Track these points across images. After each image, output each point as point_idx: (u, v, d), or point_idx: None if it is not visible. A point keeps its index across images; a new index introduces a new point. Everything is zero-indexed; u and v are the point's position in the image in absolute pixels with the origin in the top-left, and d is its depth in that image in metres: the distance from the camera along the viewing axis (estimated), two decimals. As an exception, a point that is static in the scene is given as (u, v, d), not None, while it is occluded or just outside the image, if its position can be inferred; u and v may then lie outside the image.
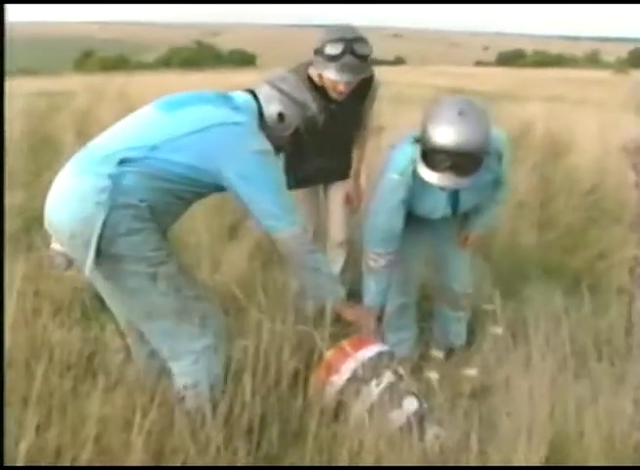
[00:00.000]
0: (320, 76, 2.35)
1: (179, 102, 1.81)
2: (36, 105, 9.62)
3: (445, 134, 1.79)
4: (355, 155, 2.64)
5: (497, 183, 2.15)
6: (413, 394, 1.82)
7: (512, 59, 62.53)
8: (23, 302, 2.28)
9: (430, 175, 1.89)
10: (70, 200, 1.65)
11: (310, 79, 2.40)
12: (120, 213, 1.62)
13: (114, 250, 1.63)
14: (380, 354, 1.87)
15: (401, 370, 1.89)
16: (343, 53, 2.20)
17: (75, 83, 13.32)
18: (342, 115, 2.46)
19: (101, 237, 1.60)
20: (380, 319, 2.25)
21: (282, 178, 1.81)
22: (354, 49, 2.19)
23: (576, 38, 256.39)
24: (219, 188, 1.78)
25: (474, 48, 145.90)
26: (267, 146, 1.78)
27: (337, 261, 2.85)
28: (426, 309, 2.77)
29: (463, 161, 1.81)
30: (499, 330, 2.07)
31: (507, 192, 2.30)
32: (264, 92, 1.88)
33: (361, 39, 2.23)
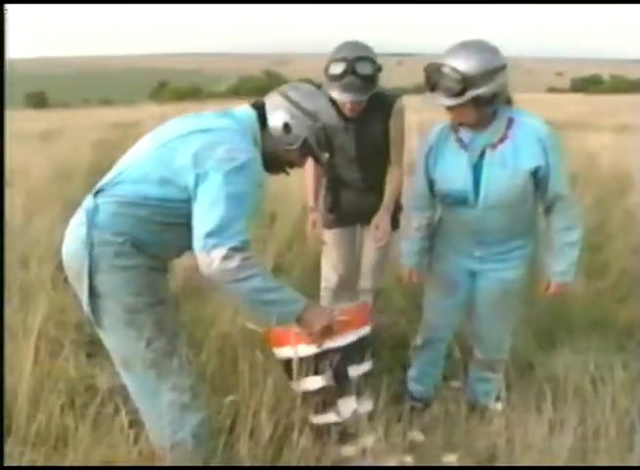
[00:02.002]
0: None
1: (170, 122, 1.77)
2: (109, 135, 10.21)
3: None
4: (388, 188, 2.54)
5: (541, 183, 1.97)
6: (354, 396, 1.75)
7: (587, 84, 60.17)
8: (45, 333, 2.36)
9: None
10: (69, 234, 1.71)
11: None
12: (101, 250, 1.62)
13: (95, 284, 1.63)
14: (324, 354, 1.74)
15: (352, 372, 1.77)
16: (345, 73, 2.20)
17: (149, 113, 14.07)
18: (366, 137, 2.43)
19: (90, 272, 1.61)
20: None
21: (245, 195, 1.58)
22: (356, 69, 2.18)
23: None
24: None
25: (546, 74, 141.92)
26: (243, 155, 1.61)
27: None
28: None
29: (438, 78, 1.83)
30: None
31: (579, 227, 2.08)
32: (271, 100, 1.77)
33: (364, 58, 2.22)
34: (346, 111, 2.35)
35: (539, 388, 2.30)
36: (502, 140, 1.93)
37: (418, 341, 2.38)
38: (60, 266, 3.36)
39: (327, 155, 1.84)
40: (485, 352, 2.30)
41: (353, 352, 1.78)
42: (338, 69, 2.22)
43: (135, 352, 1.66)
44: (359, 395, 1.79)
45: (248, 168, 1.61)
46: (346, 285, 2.70)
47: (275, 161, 1.79)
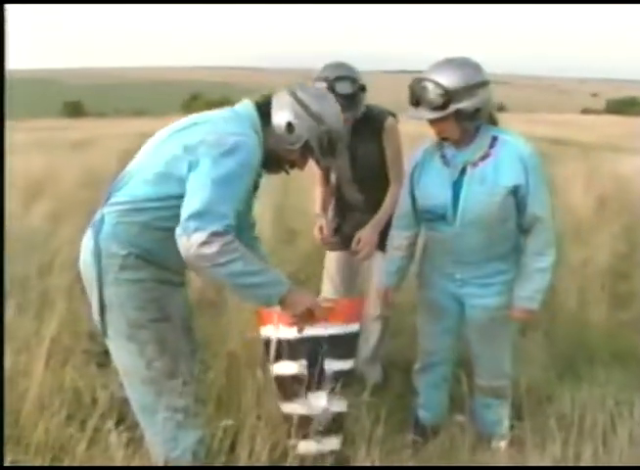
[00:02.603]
0: None
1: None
2: (137, 145, 10.41)
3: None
4: (383, 204, 2.48)
5: (521, 204, 1.94)
6: (326, 391, 1.72)
7: (623, 106, 58.97)
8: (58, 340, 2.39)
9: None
10: (83, 245, 1.73)
11: None
12: (108, 262, 1.63)
13: (103, 296, 1.66)
14: (303, 341, 1.72)
15: (329, 366, 1.72)
16: None
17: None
18: (360, 156, 2.44)
19: (99, 284, 1.65)
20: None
21: (233, 176, 1.55)
22: (335, 88, 2.24)
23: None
24: None
25: (581, 95, 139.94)
26: (233, 138, 1.59)
27: (372, 335, 2.69)
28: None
29: (422, 92, 1.88)
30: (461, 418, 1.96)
31: (552, 254, 2.00)
32: (279, 98, 1.75)
33: (344, 78, 2.28)
34: None
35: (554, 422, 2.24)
36: (484, 158, 1.95)
37: (417, 365, 2.35)
38: (79, 275, 3.45)
39: (330, 159, 1.80)
40: (483, 377, 2.24)
41: (335, 346, 1.74)
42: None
43: (135, 368, 1.67)
44: (334, 393, 1.74)
45: (238, 150, 1.58)
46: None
47: (276, 159, 1.77)
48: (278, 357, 1.74)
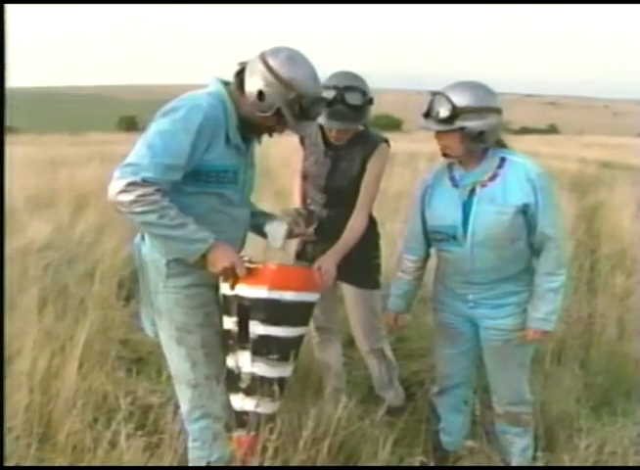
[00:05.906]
0: None
1: None
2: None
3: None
4: (346, 231, 2.29)
5: (531, 223, 1.94)
6: (249, 352, 1.71)
7: (684, 130, 56.45)
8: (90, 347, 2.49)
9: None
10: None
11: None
12: (155, 272, 1.76)
13: (155, 302, 1.78)
14: (234, 298, 1.71)
15: (253, 328, 1.71)
16: (334, 101, 2.20)
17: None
18: (341, 169, 2.38)
19: (150, 292, 1.78)
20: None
21: (165, 133, 1.63)
22: (345, 98, 2.20)
23: None
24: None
25: (639, 117, 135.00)
26: (178, 102, 1.67)
27: (373, 368, 2.64)
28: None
29: (432, 105, 1.93)
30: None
31: (564, 273, 1.98)
32: (251, 64, 1.75)
33: (354, 88, 2.22)
34: (332, 138, 2.36)
35: (583, 456, 2.14)
36: (493, 178, 1.97)
37: (435, 389, 2.32)
38: (120, 284, 3.56)
39: (304, 124, 1.81)
40: (500, 403, 2.18)
41: (258, 310, 1.70)
42: (327, 96, 2.18)
43: (183, 372, 1.78)
44: (264, 356, 1.72)
45: (174, 111, 1.65)
46: (326, 335, 2.61)
47: (253, 125, 1.78)
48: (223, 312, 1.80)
